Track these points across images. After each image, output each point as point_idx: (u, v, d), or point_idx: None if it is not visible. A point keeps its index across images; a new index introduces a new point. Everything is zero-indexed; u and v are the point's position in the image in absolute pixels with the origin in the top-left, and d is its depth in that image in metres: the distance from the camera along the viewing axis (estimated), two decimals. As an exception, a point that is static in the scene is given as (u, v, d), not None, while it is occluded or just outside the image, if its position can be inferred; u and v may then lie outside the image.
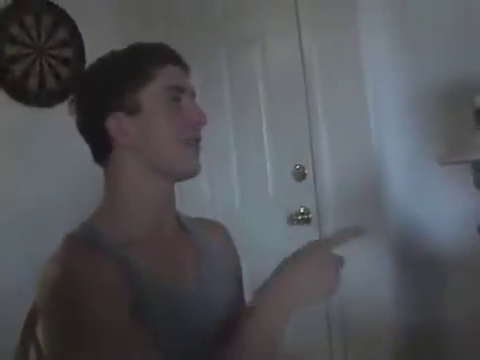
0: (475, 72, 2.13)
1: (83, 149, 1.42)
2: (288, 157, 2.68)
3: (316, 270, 1.22)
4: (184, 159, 1.37)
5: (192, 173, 1.40)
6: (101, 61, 1.42)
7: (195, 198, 2.76)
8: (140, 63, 1.37)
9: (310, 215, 2.64)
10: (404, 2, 2.38)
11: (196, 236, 1.49)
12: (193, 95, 1.43)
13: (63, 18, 3.13)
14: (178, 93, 1.38)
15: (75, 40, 3.16)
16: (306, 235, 2.54)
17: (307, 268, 1.23)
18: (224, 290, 1.44)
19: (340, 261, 1.24)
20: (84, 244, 1.29)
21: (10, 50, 3.02)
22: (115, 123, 1.35)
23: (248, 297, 1.33)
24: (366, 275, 2.36)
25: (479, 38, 2.16)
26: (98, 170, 1.42)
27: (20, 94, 3.03)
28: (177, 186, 1.43)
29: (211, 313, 1.37)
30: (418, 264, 2.38)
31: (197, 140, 1.40)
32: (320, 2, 2.54)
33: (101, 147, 1.39)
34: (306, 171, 2.64)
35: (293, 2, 2.60)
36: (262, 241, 2.67)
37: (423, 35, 2.33)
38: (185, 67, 1.43)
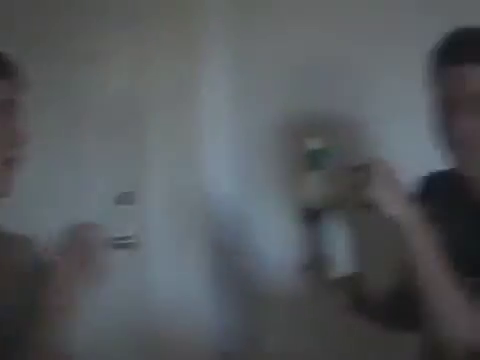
0: (308, 115, 2.26)
1: None
2: (116, 182, 2.67)
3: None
4: None
5: (1, 194, 1.37)
6: None
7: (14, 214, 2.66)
8: None
9: (133, 240, 2.64)
10: (242, 47, 2.48)
11: None
12: (20, 112, 1.38)
13: None
14: (3, 108, 1.33)
15: None
16: (129, 260, 2.53)
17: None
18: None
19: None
20: None
21: None
22: None
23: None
24: (185, 301, 2.39)
25: (311, 78, 2.32)
26: None
27: None
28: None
29: None
30: (239, 294, 2.44)
31: (14, 159, 1.36)
32: (162, 37, 2.57)
33: None
34: (133, 197, 2.64)
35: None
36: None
37: (261, 80, 2.45)
38: (18, 81, 1.38)
